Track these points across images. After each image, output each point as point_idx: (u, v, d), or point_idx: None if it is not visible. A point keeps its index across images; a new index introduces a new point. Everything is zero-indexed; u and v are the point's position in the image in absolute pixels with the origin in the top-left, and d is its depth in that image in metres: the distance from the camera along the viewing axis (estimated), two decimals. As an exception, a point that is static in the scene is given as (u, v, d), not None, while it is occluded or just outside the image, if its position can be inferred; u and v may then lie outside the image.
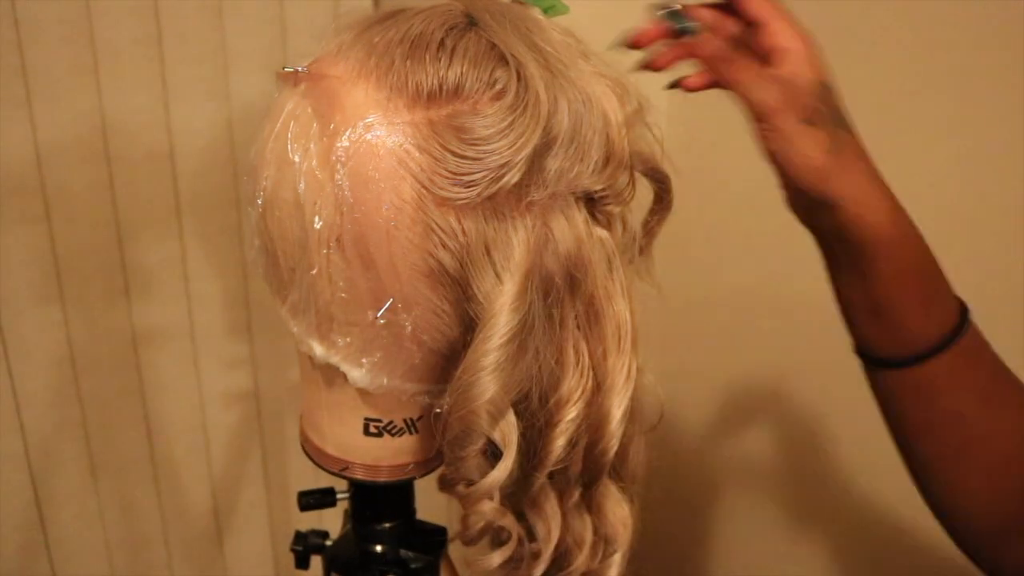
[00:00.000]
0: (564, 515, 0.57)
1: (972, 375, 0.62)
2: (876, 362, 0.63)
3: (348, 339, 0.56)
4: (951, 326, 0.61)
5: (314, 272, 0.53)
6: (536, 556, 0.57)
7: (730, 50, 0.63)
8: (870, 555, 1.10)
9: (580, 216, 0.53)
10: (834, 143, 0.59)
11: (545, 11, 0.56)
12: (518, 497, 0.56)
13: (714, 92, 0.65)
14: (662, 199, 0.60)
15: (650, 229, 0.61)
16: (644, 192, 0.58)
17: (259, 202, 0.55)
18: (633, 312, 0.57)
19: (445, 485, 0.58)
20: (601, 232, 0.55)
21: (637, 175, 0.57)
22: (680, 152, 0.62)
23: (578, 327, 0.53)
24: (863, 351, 0.64)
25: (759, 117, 0.60)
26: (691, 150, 1.05)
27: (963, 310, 0.63)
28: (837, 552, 1.15)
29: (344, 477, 0.65)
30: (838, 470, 1.11)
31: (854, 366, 0.65)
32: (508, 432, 0.53)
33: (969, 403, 0.62)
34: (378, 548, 0.71)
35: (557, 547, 0.57)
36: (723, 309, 1.26)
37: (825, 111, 0.59)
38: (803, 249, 0.65)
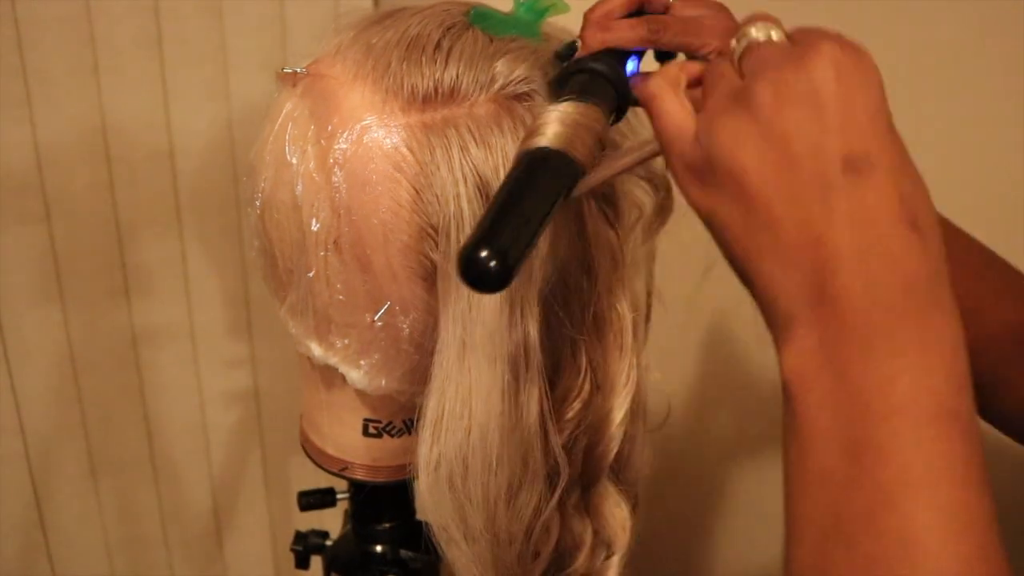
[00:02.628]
0: (563, 516, 0.57)
1: None
2: None
3: (346, 341, 0.55)
4: None
5: (311, 274, 0.53)
6: (535, 556, 0.57)
7: None
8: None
9: (586, 217, 0.53)
10: None
11: (545, 10, 0.56)
12: (516, 497, 0.56)
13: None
14: (663, 203, 0.60)
15: (652, 231, 0.61)
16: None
17: (258, 203, 0.55)
18: (636, 313, 0.57)
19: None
20: (607, 233, 0.55)
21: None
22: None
23: (573, 325, 0.53)
24: None
25: None
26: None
27: None
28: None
29: (344, 477, 0.65)
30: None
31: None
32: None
33: None
34: (378, 548, 0.71)
35: (556, 548, 0.57)
36: (723, 308, 1.26)
37: None
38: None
